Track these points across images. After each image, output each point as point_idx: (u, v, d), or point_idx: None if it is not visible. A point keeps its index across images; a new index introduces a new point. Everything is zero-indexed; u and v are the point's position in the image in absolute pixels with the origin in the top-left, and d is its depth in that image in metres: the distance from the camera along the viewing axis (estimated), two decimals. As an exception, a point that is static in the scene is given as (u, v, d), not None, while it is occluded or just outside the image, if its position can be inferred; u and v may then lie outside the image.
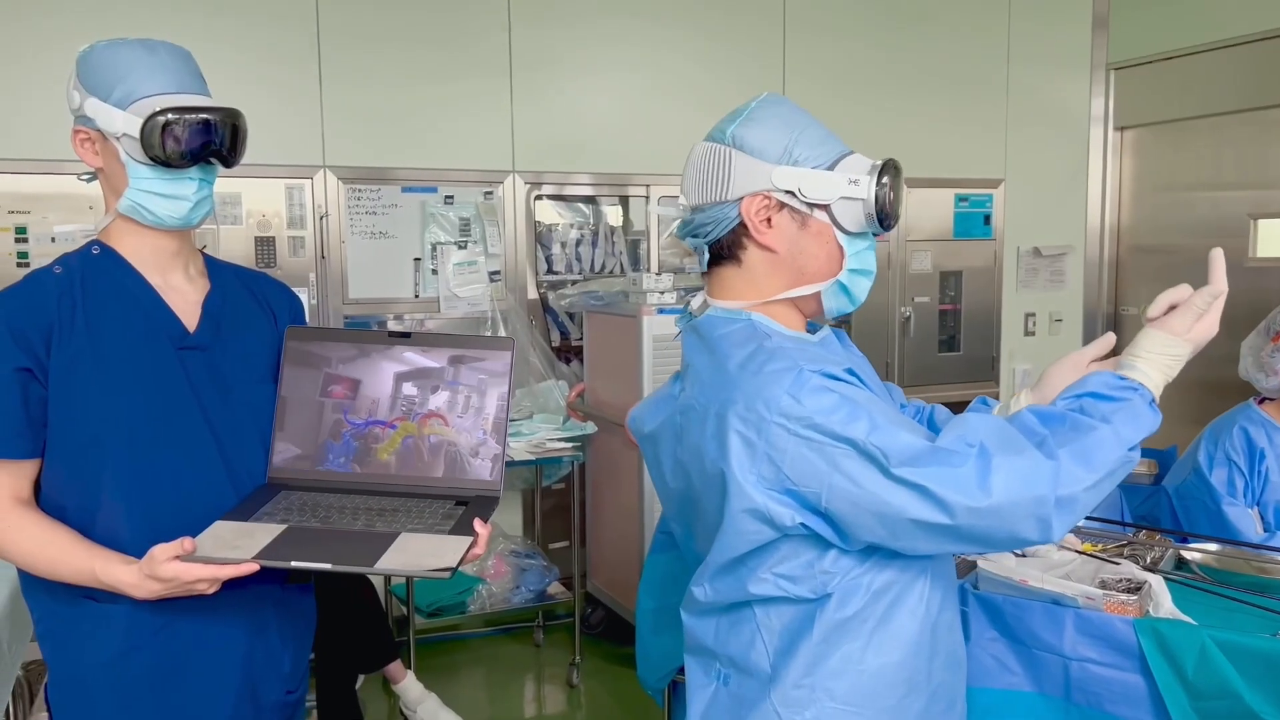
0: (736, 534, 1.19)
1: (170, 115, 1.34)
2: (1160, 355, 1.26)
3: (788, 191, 1.25)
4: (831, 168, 1.25)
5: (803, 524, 1.16)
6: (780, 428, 1.13)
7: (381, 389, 1.50)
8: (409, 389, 1.50)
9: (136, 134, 1.34)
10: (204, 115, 1.37)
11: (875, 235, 1.31)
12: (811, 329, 1.37)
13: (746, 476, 1.16)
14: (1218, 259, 1.29)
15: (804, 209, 1.26)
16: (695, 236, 1.32)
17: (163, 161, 1.36)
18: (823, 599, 1.22)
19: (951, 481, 1.09)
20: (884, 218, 1.26)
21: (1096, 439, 1.14)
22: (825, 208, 1.26)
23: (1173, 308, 1.29)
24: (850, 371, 1.18)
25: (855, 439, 1.11)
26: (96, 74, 1.37)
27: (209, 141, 1.38)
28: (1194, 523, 2.60)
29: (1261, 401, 2.69)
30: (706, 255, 1.32)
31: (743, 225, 1.27)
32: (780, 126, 1.26)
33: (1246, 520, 2.52)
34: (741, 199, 1.26)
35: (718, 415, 1.18)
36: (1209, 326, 1.27)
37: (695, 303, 1.38)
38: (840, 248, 1.28)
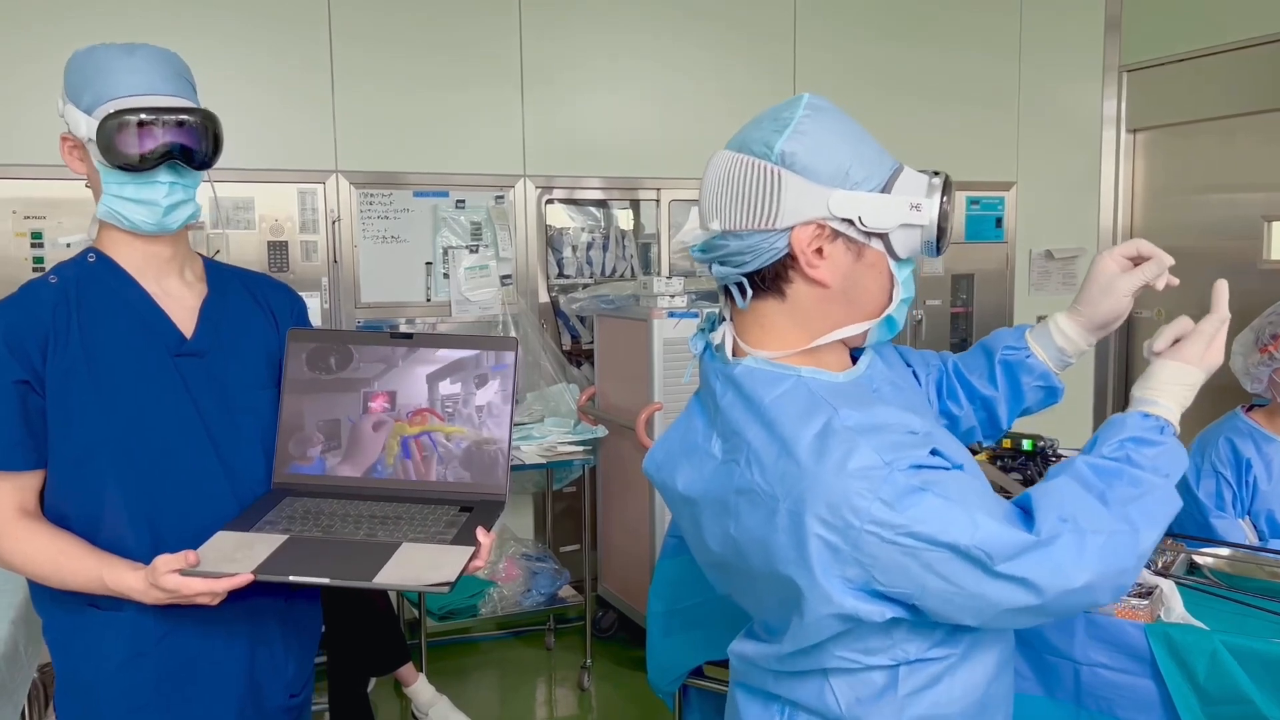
0: (818, 631, 1.10)
1: (124, 117, 1.30)
2: (1178, 386, 1.22)
3: (845, 220, 1.10)
4: (887, 189, 1.11)
5: (891, 617, 1.08)
6: (873, 536, 1.02)
7: (385, 389, 1.49)
8: (413, 390, 1.49)
9: (92, 134, 1.32)
10: (161, 116, 1.31)
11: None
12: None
13: (831, 581, 1.05)
14: (1221, 290, 1.27)
15: (861, 239, 1.12)
16: (726, 265, 1.15)
17: (124, 166, 1.33)
18: (904, 664, 1.15)
19: (1050, 568, 1.04)
20: (941, 241, 1.13)
21: (1159, 498, 1.12)
22: (884, 236, 1.12)
23: (1176, 340, 1.26)
24: (935, 451, 1.07)
25: (957, 544, 1.02)
26: (73, 79, 1.36)
27: (171, 143, 1.33)
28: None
29: (1249, 410, 2.68)
30: (749, 291, 1.15)
31: (791, 257, 1.11)
32: (836, 142, 1.11)
33: (1236, 532, 2.51)
34: (792, 228, 1.10)
35: (792, 513, 1.05)
36: (1217, 352, 1.24)
37: (718, 336, 1.21)
38: (892, 277, 1.15)
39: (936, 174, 1.15)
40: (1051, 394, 1.41)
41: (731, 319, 1.21)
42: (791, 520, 1.05)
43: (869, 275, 1.14)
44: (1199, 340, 1.24)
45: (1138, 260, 1.30)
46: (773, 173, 1.10)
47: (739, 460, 1.12)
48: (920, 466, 1.04)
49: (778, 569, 1.08)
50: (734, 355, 1.19)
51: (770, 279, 1.14)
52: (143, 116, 1.31)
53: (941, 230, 1.13)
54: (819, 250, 1.11)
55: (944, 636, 1.15)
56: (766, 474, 1.09)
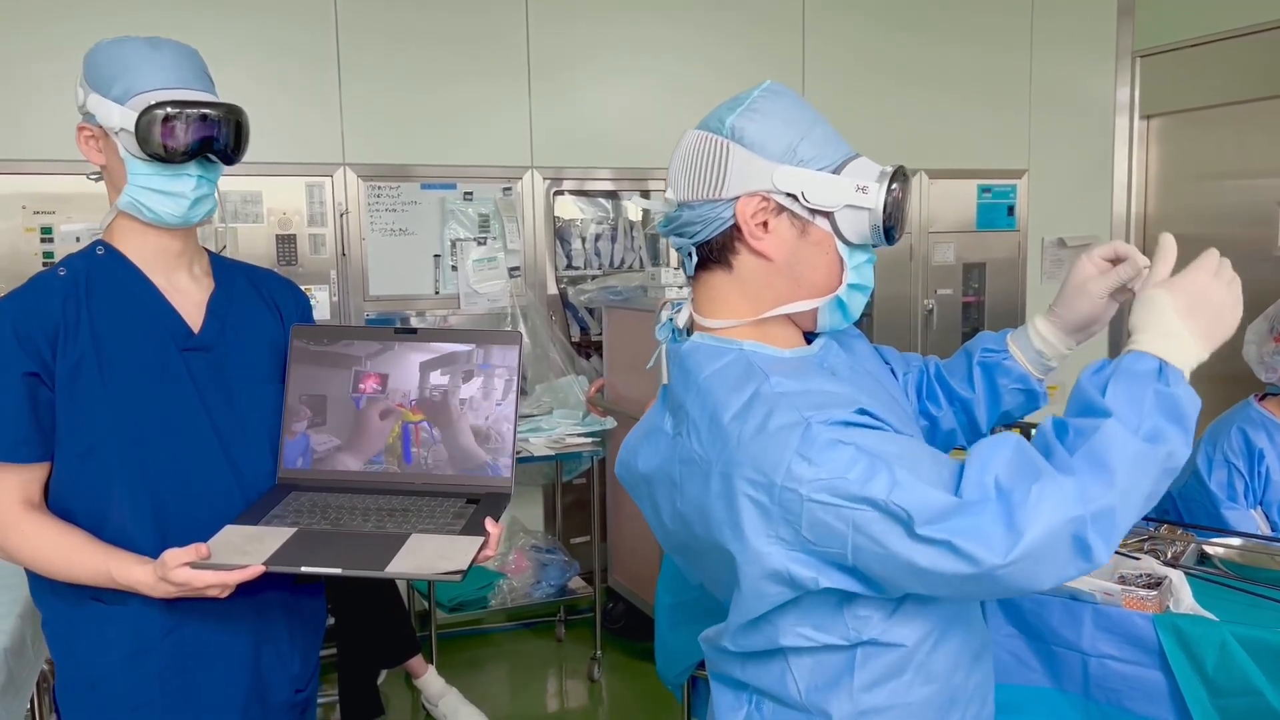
0: (757, 597, 1.10)
1: (168, 109, 1.33)
2: (1143, 317, 1.10)
3: (789, 194, 1.13)
4: (837, 171, 1.14)
5: (829, 585, 1.07)
6: (792, 493, 1.03)
7: (387, 383, 1.50)
8: (415, 383, 1.50)
9: (130, 126, 1.33)
10: (201, 110, 1.35)
11: (875, 247, 1.20)
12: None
13: (762, 542, 1.06)
14: (1167, 243, 1.17)
15: (805, 215, 1.14)
16: (680, 235, 1.20)
17: (159, 157, 1.35)
18: (860, 645, 1.14)
19: (977, 534, 0.98)
20: (891, 230, 1.15)
21: (1101, 436, 1.01)
22: (828, 215, 1.14)
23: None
24: (862, 410, 1.06)
25: (875, 500, 1.00)
26: (99, 70, 1.37)
27: (207, 137, 1.36)
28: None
29: (1262, 399, 2.65)
30: (694, 258, 1.20)
31: (737, 228, 1.15)
32: (786, 121, 1.14)
33: (1248, 523, 2.49)
34: (738, 198, 1.14)
35: (723, 476, 1.08)
36: (1175, 273, 1.12)
37: (681, 318, 1.25)
38: (841, 260, 1.17)
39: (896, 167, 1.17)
40: (1031, 398, 1.38)
41: (693, 297, 1.25)
42: (723, 483, 1.07)
43: (814, 253, 1.16)
44: (1152, 269, 1.15)
45: (1117, 262, 1.28)
46: (723, 145, 1.15)
47: (683, 432, 1.15)
48: (842, 423, 1.04)
49: (715, 536, 1.10)
50: (691, 332, 1.23)
51: (718, 250, 1.17)
52: (187, 110, 1.34)
53: (890, 217, 1.14)
54: (764, 224, 1.14)
55: (897, 612, 1.13)
56: (703, 441, 1.11)
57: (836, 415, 1.05)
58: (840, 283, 1.18)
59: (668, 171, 1.22)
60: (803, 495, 1.02)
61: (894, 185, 1.14)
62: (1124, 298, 1.28)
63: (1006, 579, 1.00)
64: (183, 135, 1.35)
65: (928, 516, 0.99)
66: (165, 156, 1.35)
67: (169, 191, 1.38)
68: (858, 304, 1.20)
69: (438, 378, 1.50)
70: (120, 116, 1.34)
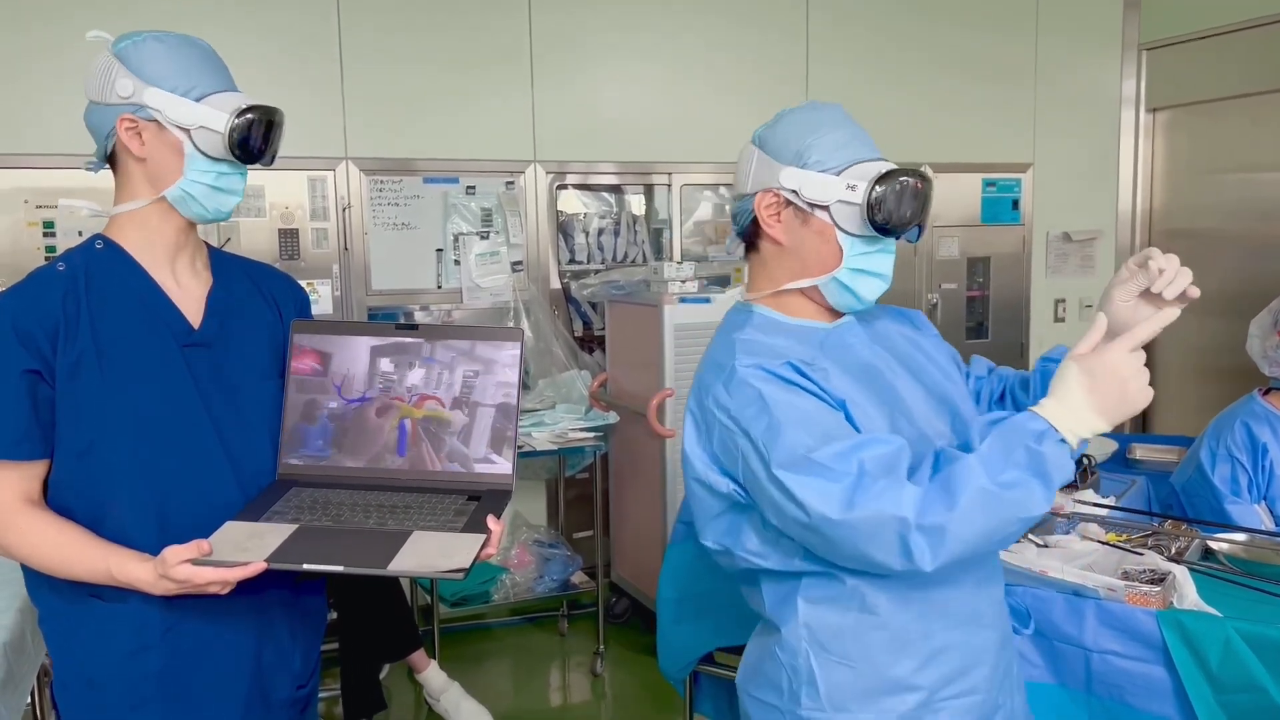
0: (692, 497, 1.37)
1: (258, 114, 1.40)
2: (1055, 384, 1.22)
3: (792, 190, 1.35)
4: (840, 173, 1.33)
5: (735, 491, 1.30)
6: (712, 413, 1.30)
7: (388, 379, 1.49)
8: (416, 378, 1.49)
9: (220, 128, 1.37)
10: (273, 116, 1.44)
11: (896, 238, 1.36)
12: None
13: (695, 451, 1.34)
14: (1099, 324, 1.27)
15: (806, 208, 1.35)
16: (734, 223, 1.47)
17: (239, 157, 1.40)
18: (805, 574, 1.33)
19: (817, 491, 1.19)
20: (878, 223, 1.31)
21: (961, 467, 1.17)
22: (826, 208, 1.34)
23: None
24: (796, 368, 1.27)
25: (753, 435, 1.24)
26: (156, 65, 1.37)
27: (271, 141, 1.44)
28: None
29: (1266, 393, 2.64)
30: (741, 243, 1.47)
31: (757, 219, 1.39)
32: (798, 131, 1.36)
33: (1251, 517, 2.48)
34: (755, 194, 1.38)
35: (688, 401, 1.37)
36: (1103, 352, 1.21)
37: (741, 292, 1.52)
38: (840, 247, 1.35)
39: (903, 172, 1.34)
40: None
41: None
42: (687, 407, 1.36)
43: (816, 240, 1.36)
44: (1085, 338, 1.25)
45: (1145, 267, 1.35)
46: (751, 151, 1.42)
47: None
48: (768, 370, 1.27)
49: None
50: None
51: (750, 235, 1.43)
52: (269, 117, 1.43)
53: (872, 212, 1.31)
54: (777, 215, 1.38)
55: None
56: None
57: (765, 364, 1.27)
58: (839, 265, 1.36)
59: None
60: (717, 416, 1.29)
61: (880, 186, 1.30)
62: (1174, 304, 1.32)
63: (835, 539, 1.20)
64: (263, 139, 1.43)
65: (782, 462, 1.21)
66: (244, 157, 1.40)
67: (224, 189, 1.43)
68: (865, 287, 1.37)
69: (438, 374, 1.49)
70: (195, 114, 1.38)
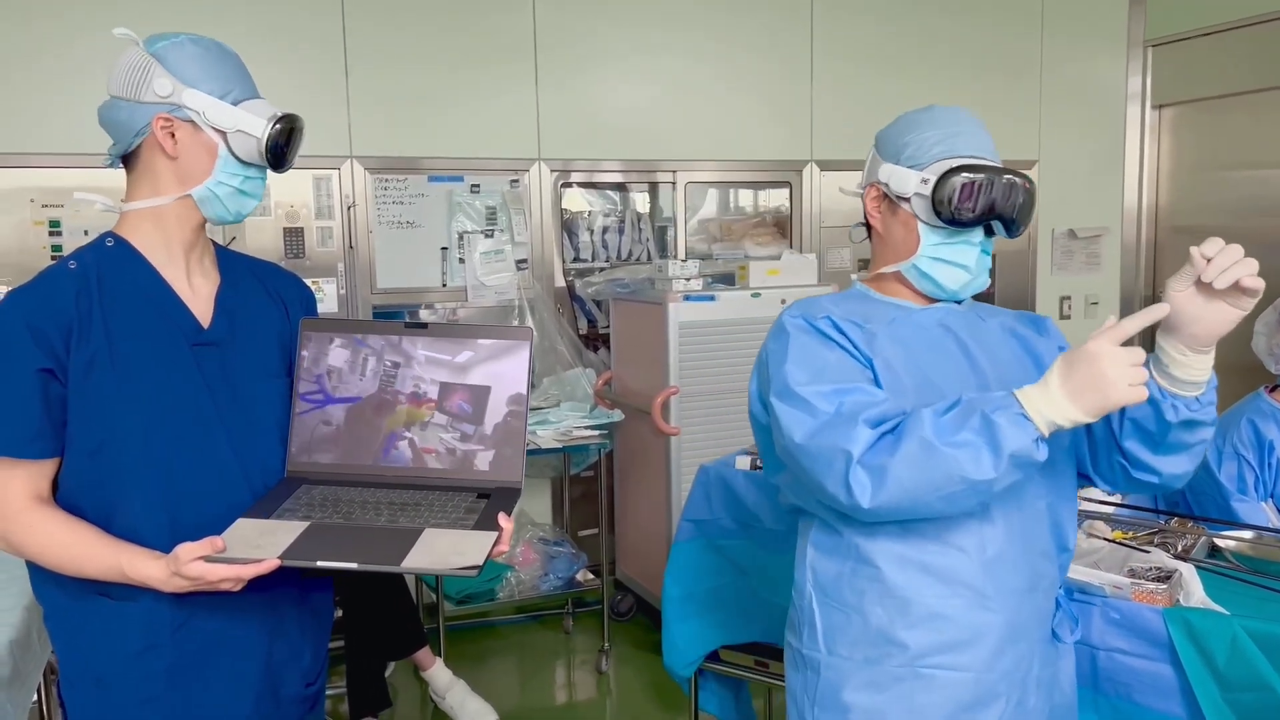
0: (754, 424, 1.53)
1: (287, 123, 1.43)
2: (1048, 371, 1.26)
3: (884, 184, 1.49)
4: (924, 169, 1.44)
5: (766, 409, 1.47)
6: (762, 353, 1.49)
7: (396, 377, 1.49)
8: (424, 377, 1.49)
9: (257, 133, 1.40)
10: (299, 125, 1.48)
11: (988, 234, 1.45)
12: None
13: (752, 389, 1.52)
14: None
15: (895, 200, 1.49)
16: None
17: (269, 163, 1.42)
18: (814, 520, 1.48)
19: (794, 419, 1.34)
20: (945, 216, 1.42)
21: (913, 418, 1.28)
22: (908, 200, 1.46)
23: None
24: (834, 323, 1.42)
25: (770, 367, 1.43)
26: (194, 67, 1.38)
27: (294, 149, 1.48)
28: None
29: (1272, 390, 2.63)
30: (864, 232, 1.62)
31: (866, 211, 1.55)
32: (901, 130, 1.49)
33: (1258, 515, 2.47)
34: (866, 187, 1.54)
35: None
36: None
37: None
38: (918, 237, 1.47)
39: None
40: (1151, 403, 1.32)
41: None
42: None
43: (902, 230, 1.49)
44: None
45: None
46: (870, 148, 1.56)
47: None
48: (807, 320, 1.43)
49: None
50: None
51: (866, 224, 1.58)
52: (298, 124, 1.48)
53: (938, 204, 1.42)
54: (877, 206, 1.53)
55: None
56: None
57: (811, 316, 1.44)
58: (917, 253, 1.47)
59: None
60: (763, 356, 1.48)
61: (947, 181, 1.41)
62: (1236, 300, 1.23)
63: (801, 460, 1.34)
64: (292, 145, 1.47)
65: (778, 391, 1.39)
66: (273, 163, 1.43)
67: (247, 192, 1.46)
68: (945, 276, 1.47)
69: (447, 373, 1.49)
70: (234, 118, 1.40)
